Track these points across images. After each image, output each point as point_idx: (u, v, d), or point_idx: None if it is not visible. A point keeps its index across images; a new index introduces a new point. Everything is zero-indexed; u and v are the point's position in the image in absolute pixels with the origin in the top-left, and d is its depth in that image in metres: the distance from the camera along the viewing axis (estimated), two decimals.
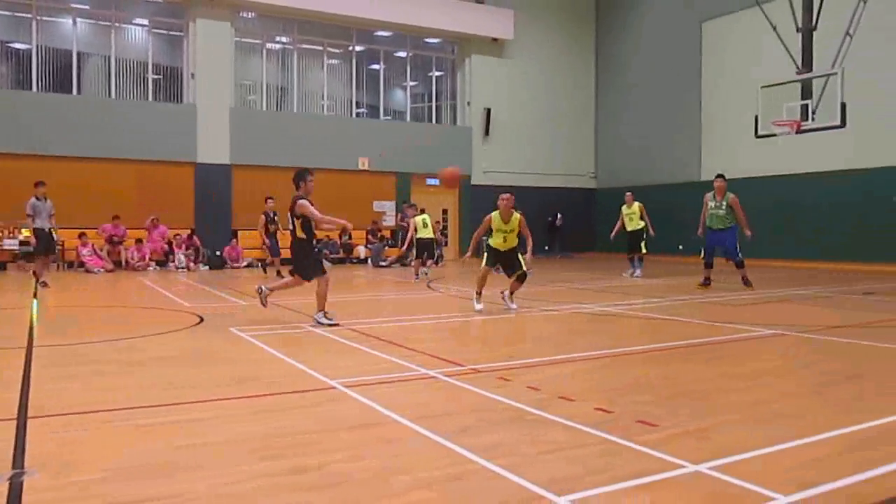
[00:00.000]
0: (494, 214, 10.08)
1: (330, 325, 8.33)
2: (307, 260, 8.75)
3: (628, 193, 16.74)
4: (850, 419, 4.32)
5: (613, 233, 16.54)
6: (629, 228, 16.34)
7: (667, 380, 5.61)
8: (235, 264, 20.17)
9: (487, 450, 3.72)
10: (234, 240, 20.76)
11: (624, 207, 16.50)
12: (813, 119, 15.70)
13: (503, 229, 10.04)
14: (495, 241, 10.10)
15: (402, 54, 25.37)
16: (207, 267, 19.68)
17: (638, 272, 16.06)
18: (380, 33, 24.71)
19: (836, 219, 19.23)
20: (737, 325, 8.57)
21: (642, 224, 16.22)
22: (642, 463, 3.54)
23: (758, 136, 16.75)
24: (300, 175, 8.77)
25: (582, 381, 5.64)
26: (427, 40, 25.63)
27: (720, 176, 13.30)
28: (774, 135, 16.39)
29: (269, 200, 16.52)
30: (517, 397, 4.87)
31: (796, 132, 15.91)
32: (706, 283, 13.20)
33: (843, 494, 3.13)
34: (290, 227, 8.78)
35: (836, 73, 15.06)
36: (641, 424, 4.20)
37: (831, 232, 19.29)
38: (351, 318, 9.09)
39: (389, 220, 24.02)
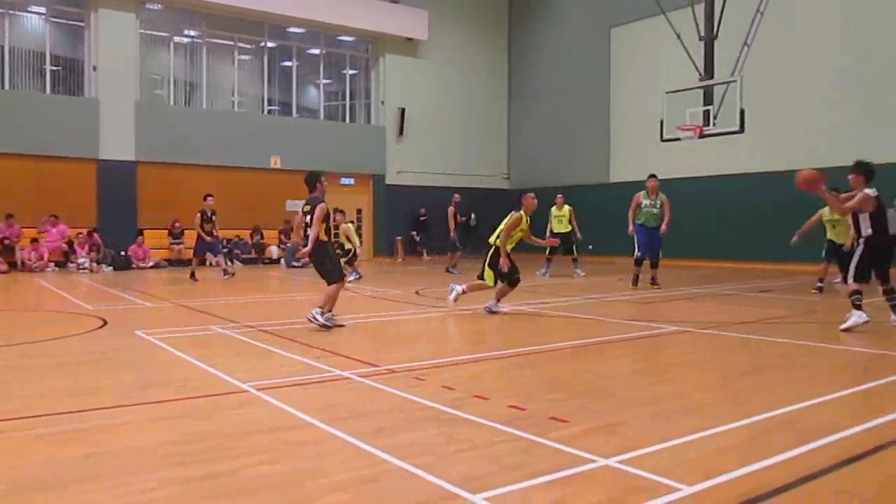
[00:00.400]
0: (523, 214, 9.81)
1: (322, 325, 8.06)
2: (330, 263, 8.47)
3: (559, 196, 16.71)
4: (751, 410, 4.53)
5: (547, 235, 16.27)
6: (557, 230, 16.27)
7: (577, 377, 5.75)
8: (142, 264, 19.47)
9: (402, 450, 3.73)
10: (140, 239, 20.02)
11: (554, 209, 16.45)
12: (714, 124, 16.41)
13: (525, 229, 9.87)
14: (511, 245, 9.81)
15: (316, 52, 25.05)
16: (111, 268, 18.92)
17: (580, 272, 16.11)
18: (292, 29, 24.32)
19: (738, 219, 20.11)
20: (644, 322, 8.86)
21: (570, 227, 16.29)
22: (555, 459, 3.62)
23: (663, 140, 17.36)
24: (316, 177, 8.49)
25: (496, 379, 5.71)
26: (341, 38, 25.41)
27: (653, 176, 13.53)
28: (678, 139, 17.03)
29: (209, 198, 15.94)
30: (432, 397, 4.89)
31: (699, 137, 16.58)
32: (637, 281, 13.37)
33: (744, 482, 3.28)
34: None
35: (735, 81, 15.79)
36: (553, 421, 4.29)
37: (733, 232, 20.17)
38: (263, 320, 8.92)
39: None
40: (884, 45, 17.49)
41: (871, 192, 8.08)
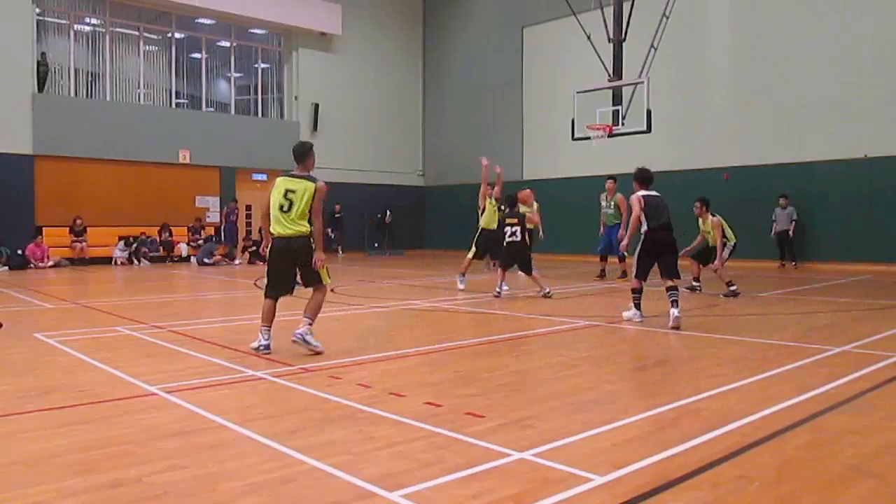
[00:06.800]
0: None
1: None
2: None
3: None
4: (657, 401, 4.70)
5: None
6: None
7: (492, 372, 5.81)
8: (41, 264, 18.55)
9: (318, 449, 3.69)
10: (39, 237, 19.04)
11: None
12: (623, 124, 16.86)
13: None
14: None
15: (226, 44, 24.42)
16: (6, 268, 17.96)
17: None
18: (201, 20, 23.63)
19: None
20: (555, 317, 9.04)
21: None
22: (471, 453, 3.65)
23: (574, 139, 17.71)
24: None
25: (412, 376, 5.72)
26: (252, 30, 24.85)
27: (611, 177, 15.00)
28: (589, 137, 17.41)
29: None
30: (348, 395, 4.85)
31: (609, 136, 17.00)
32: (602, 274, 14.65)
33: (650, 471, 3.40)
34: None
35: (642, 82, 16.25)
36: (469, 416, 4.33)
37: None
38: (172, 320, 8.65)
39: (214, 217, 23.05)
40: (770, 50, 18.53)
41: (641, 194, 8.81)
